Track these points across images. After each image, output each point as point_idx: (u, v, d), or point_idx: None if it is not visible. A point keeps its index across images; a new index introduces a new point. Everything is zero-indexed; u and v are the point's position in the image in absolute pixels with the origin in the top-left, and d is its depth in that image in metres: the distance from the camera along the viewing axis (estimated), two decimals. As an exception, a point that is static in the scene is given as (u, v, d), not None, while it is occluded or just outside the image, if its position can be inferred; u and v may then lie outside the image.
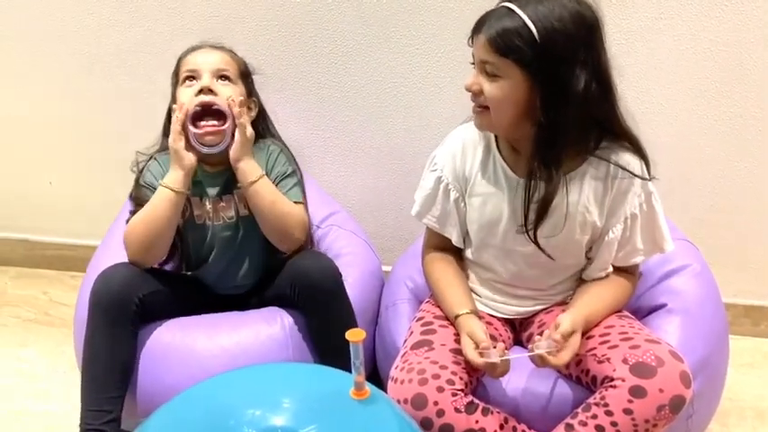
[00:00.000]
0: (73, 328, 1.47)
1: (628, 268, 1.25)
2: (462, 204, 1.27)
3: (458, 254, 1.33)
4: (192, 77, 1.34)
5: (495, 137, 1.24)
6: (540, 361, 1.11)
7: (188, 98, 1.31)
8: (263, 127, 1.45)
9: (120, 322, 1.26)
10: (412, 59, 1.66)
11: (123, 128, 1.84)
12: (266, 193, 1.32)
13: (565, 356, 1.10)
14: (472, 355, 1.12)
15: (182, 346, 1.31)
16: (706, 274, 1.37)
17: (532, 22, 1.06)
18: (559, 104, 1.09)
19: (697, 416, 1.21)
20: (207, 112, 1.31)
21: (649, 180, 1.18)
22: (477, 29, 1.12)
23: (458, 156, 1.26)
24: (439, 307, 1.29)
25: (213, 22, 1.69)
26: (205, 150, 1.31)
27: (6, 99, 1.89)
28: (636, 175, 1.17)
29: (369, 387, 0.92)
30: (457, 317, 1.20)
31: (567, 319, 1.12)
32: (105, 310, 1.25)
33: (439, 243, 1.33)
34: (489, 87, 1.11)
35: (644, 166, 1.18)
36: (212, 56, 1.37)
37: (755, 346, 1.73)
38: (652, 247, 1.22)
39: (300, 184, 1.42)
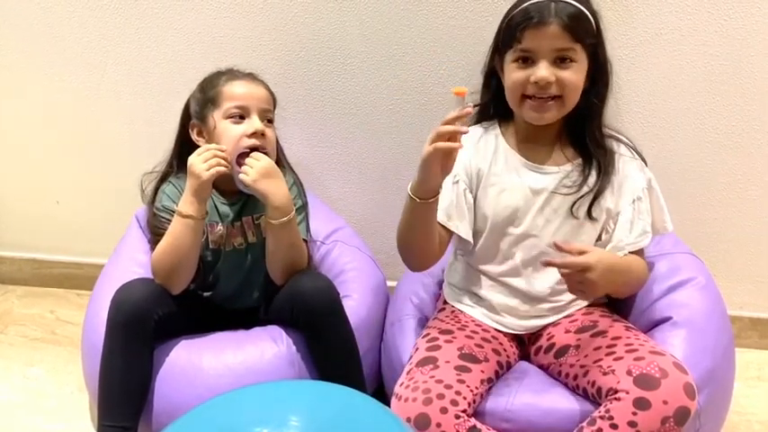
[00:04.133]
0: (81, 346, 1.48)
1: (637, 254, 1.28)
2: (471, 196, 1.29)
3: (443, 246, 1.29)
4: (240, 115, 1.33)
5: (501, 129, 1.30)
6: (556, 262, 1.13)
7: (237, 136, 1.31)
8: (278, 156, 1.45)
9: (139, 337, 1.26)
10: (414, 77, 1.68)
11: (129, 148, 1.86)
12: (289, 234, 1.32)
13: (580, 258, 1.11)
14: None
15: (188, 365, 1.31)
16: (711, 287, 1.37)
17: (584, 7, 1.18)
18: (606, 80, 1.23)
19: (704, 430, 1.21)
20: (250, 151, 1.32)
21: (645, 164, 1.28)
22: (541, 20, 1.16)
23: (469, 150, 1.28)
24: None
25: (218, 43, 1.71)
26: (247, 191, 1.32)
27: (13, 119, 1.91)
28: (641, 156, 1.27)
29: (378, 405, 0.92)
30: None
31: (578, 245, 1.15)
32: (125, 324, 1.25)
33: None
34: (567, 74, 1.17)
35: (638, 152, 1.29)
36: (258, 91, 1.37)
37: (762, 359, 1.73)
38: (656, 227, 1.28)
39: (307, 219, 1.43)
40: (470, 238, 1.30)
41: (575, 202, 1.24)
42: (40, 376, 1.68)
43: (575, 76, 1.18)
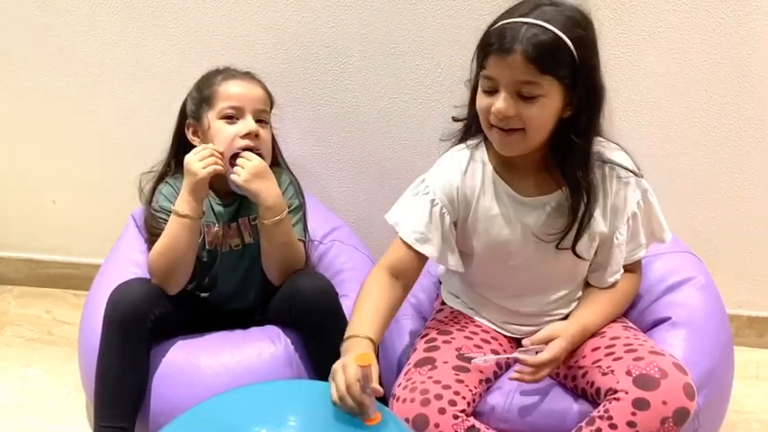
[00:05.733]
0: (78, 347, 1.47)
1: (630, 265, 1.26)
2: (455, 229, 1.23)
3: (407, 285, 1.22)
4: (233, 116, 1.33)
5: (488, 153, 1.21)
6: (518, 374, 1.14)
7: (230, 136, 1.31)
8: (275, 155, 1.45)
9: (136, 337, 1.26)
10: (412, 75, 1.67)
11: (126, 148, 1.85)
12: (283, 234, 1.32)
13: (543, 356, 1.12)
14: (351, 378, 0.95)
15: (185, 365, 1.31)
16: (710, 287, 1.37)
17: (562, 32, 1.04)
18: (592, 111, 1.11)
19: (703, 429, 1.20)
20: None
21: (641, 177, 1.20)
22: (504, 48, 1.04)
23: (455, 182, 1.20)
24: (440, 322, 1.29)
25: (215, 42, 1.71)
26: (239, 191, 1.32)
27: (8, 118, 1.90)
28: (633, 173, 1.18)
29: (378, 409, 0.92)
30: (351, 336, 1.08)
31: (548, 328, 1.17)
32: (121, 324, 1.25)
33: (398, 266, 1.20)
34: (530, 109, 1.06)
35: (634, 162, 1.20)
36: (254, 91, 1.36)
37: (761, 358, 1.73)
38: (652, 239, 1.25)
39: (304, 220, 1.42)
40: (462, 269, 1.24)
41: (558, 243, 1.18)
42: (38, 377, 1.67)
43: (539, 111, 1.06)
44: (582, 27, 1.08)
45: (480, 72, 1.11)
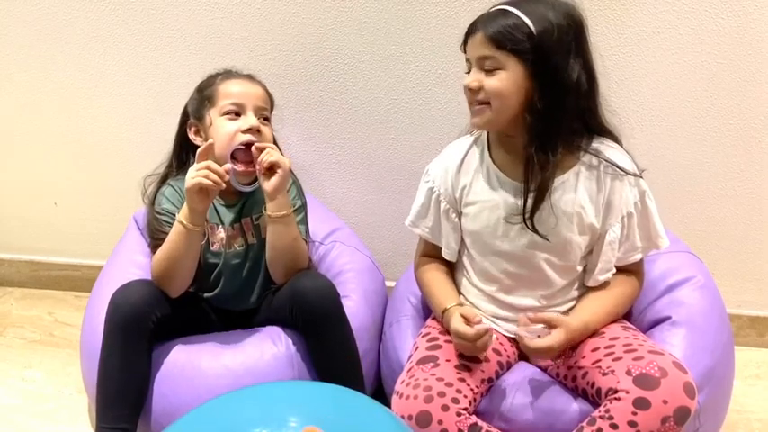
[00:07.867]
0: (79, 348, 1.48)
1: (629, 267, 1.27)
2: (454, 216, 1.30)
3: (448, 263, 1.36)
4: (235, 112, 1.34)
5: (488, 144, 1.28)
6: (520, 340, 1.16)
7: (232, 131, 1.32)
8: None
9: (137, 338, 1.26)
10: (412, 77, 1.68)
11: (127, 150, 1.86)
12: (292, 229, 1.33)
13: (540, 342, 1.13)
14: (464, 328, 1.16)
15: (187, 365, 1.31)
16: (710, 286, 1.37)
17: (527, 16, 1.14)
18: (555, 92, 1.15)
19: (704, 429, 1.21)
20: (245, 147, 1.32)
21: (641, 177, 1.22)
22: (472, 30, 1.18)
23: (451, 169, 1.29)
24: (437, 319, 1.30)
25: (216, 44, 1.71)
26: (240, 188, 1.34)
27: (11, 120, 1.91)
28: (627, 172, 1.21)
29: (377, 409, 0.92)
30: (445, 310, 1.25)
31: (555, 314, 1.18)
32: (123, 325, 1.25)
33: (431, 251, 1.37)
34: (489, 81, 1.16)
35: (634, 164, 1.22)
36: (254, 89, 1.39)
37: (761, 357, 1.73)
38: (648, 244, 1.26)
39: (306, 220, 1.43)
40: (452, 258, 1.33)
41: (525, 220, 1.20)
42: (39, 378, 1.67)
43: (499, 83, 1.15)
44: (557, 16, 1.14)
45: None
